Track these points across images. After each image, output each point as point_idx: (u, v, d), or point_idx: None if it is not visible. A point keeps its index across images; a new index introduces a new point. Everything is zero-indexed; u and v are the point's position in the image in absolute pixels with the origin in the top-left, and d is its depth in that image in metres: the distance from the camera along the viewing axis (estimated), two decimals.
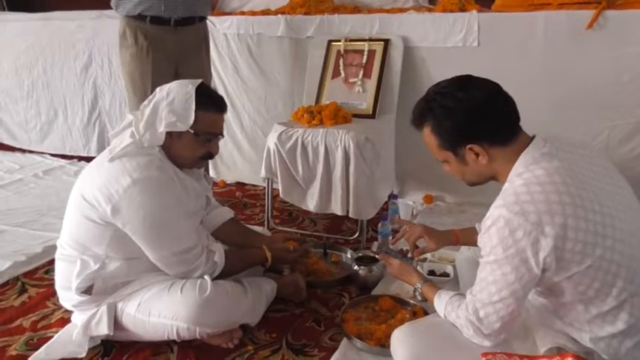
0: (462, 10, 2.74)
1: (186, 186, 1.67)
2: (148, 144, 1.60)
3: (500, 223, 1.15)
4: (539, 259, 1.13)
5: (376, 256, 2.02)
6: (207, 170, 2.75)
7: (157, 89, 1.67)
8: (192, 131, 1.61)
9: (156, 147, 1.62)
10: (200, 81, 1.67)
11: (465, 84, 1.28)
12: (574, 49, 2.50)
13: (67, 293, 1.66)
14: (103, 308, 1.61)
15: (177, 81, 1.69)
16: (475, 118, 1.24)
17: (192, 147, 1.65)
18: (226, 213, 1.97)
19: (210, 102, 1.66)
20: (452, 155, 1.31)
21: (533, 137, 1.27)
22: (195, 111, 1.59)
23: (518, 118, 1.28)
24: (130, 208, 1.52)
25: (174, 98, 1.61)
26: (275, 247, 1.89)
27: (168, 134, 1.62)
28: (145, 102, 1.65)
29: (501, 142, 1.25)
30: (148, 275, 1.65)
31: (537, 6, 2.60)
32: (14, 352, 1.69)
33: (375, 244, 1.74)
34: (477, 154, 1.27)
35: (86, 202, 1.57)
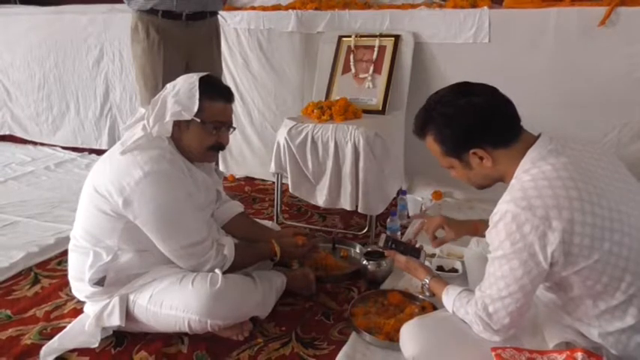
0: (473, 6, 2.73)
1: (196, 179, 1.69)
2: (156, 135, 1.63)
3: (508, 218, 1.16)
4: (547, 254, 1.14)
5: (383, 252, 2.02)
6: (217, 164, 2.77)
7: (168, 85, 1.69)
8: (198, 120, 1.63)
9: (166, 140, 1.64)
10: (206, 73, 1.69)
11: (464, 90, 1.30)
12: (585, 46, 2.49)
13: (79, 284, 1.69)
14: (115, 299, 1.64)
15: (184, 75, 1.70)
16: (476, 123, 1.26)
17: (200, 136, 1.66)
18: (236, 207, 1.99)
19: (215, 91, 1.67)
20: (456, 161, 1.33)
21: (539, 136, 1.28)
22: (201, 100, 1.61)
23: (518, 119, 1.29)
24: (141, 200, 1.54)
25: (179, 89, 1.63)
26: (284, 242, 1.90)
27: (177, 126, 1.64)
28: (156, 97, 1.67)
29: (504, 144, 1.27)
30: (159, 267, 1.67)
31: (549, 2, 2.59)
32: (28, 342, 1.71)
33: (382, 237, 1.74)
34: (481, 158, 1.28)
35: (98, 194, 1.59)
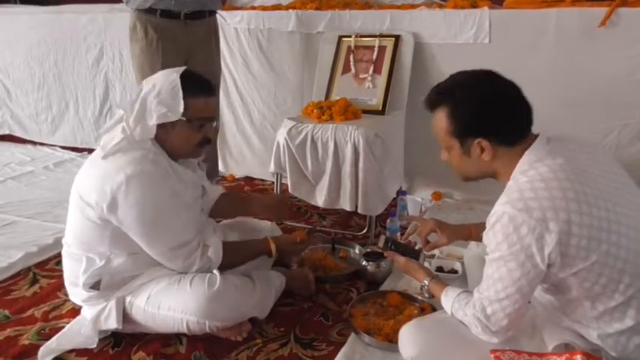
0: (474, 6, 2.72)
1: (182, 178, 1.66)
2: (139, 138, 1.58)
3: (505, 220, 1.16)
4: (545, 255, 1.14)
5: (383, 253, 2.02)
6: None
7: (143, 82, 1.65)
8: (184, 119, 1.59)
9: (148, 141, 1.59)
10: (184, 68, 1.64)
11: (492, 79, 1.27)
12: (586, 47, 2.48)
13: (75, 289, 1.68)
14: (112, 303, 1.63)
15: (161, 71, 1.66)
16: (494, 114, 1.24)
17: (187, 135, 1.63)
18: (217, 191, 1.97)
19: (197, 87, 1.62)
20: (458, 144, 1.30)
21: (537, 136, 1.27)
22: (184, 98, 1.56)
23: (531, 124, 1.28)
24: (125, 204, 1.51)
25: (160, 89, 1.57)
26: (281, 239, 1.89)
27: (162, 126, 1.59)
28: (133, 96, 1.63)
29: (509, 143, 1.26)
30: (154, 268, 1.66)
31: (550, 3, 2.58)
32: (26, 342, 1.71)
33: (382, 238, 1.74)
34: (483, 150, 1.26)
35: (83, 201, 1.57)
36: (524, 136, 1.27)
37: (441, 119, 1.30)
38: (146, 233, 1.57)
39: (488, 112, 1.24)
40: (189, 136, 1.63)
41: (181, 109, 1.57)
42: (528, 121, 1.27)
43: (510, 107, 1.24)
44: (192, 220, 1.67)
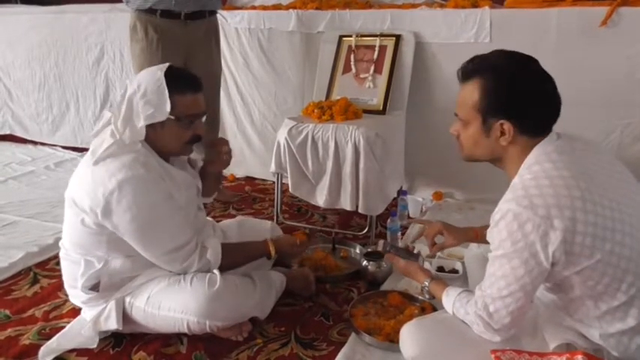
0: (475, 6, 2.72)
1: (175, 179, 1.64)
2: (129, 140, 1.56)
3: (509, 217, 1.15)
4: (549, 253, 1.14)
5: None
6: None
7: (128, 81, 1.63)
8: (172, 117, 1.56)
9: (138, 143, 1.57)
10: (167, 65, 1.62)
11: (534, 66, 1.26)
12: (587, 46, 2.48)
13: (75, 291, 1.67)
14: (112, 304, 1.62)
15: (145, 69, 1.64)
16: (528, 100, 1.22)
17: (176, 133, 1.61)
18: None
19: (183, 83, 1.59)
20: (480, 121, 1.27)
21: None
22: (171, 96, 1.54)
23: (556, 120, 1.26)
24: (118, 210, 1.51)
25: (146, 89, 1.55)
26: (280, 241, 1.89)
27: (151, 126, 1.57)
28: (119, 97, 1.61)
29: (531, 134, 1.24)
30: (153, 268, 1.65)
31: (551, 2, 2.58)
32: (27, 342, 1.71)
33: (381, 242, 1.74)
34: (503, 133, 1.25)
35: (77, 207, 1.56)
36: (546, 131, 1.26)
37: (472, 91, 1.27)
38: (141, 237, 1.56)
39: (524, 97, 1.22)
40: (179, 134, 1.62)
41: (168, 107, 1.55)
42: (556, 116, 1.26)
43: (545, 98, 1.23)
44: (187, 221, 1.66)
